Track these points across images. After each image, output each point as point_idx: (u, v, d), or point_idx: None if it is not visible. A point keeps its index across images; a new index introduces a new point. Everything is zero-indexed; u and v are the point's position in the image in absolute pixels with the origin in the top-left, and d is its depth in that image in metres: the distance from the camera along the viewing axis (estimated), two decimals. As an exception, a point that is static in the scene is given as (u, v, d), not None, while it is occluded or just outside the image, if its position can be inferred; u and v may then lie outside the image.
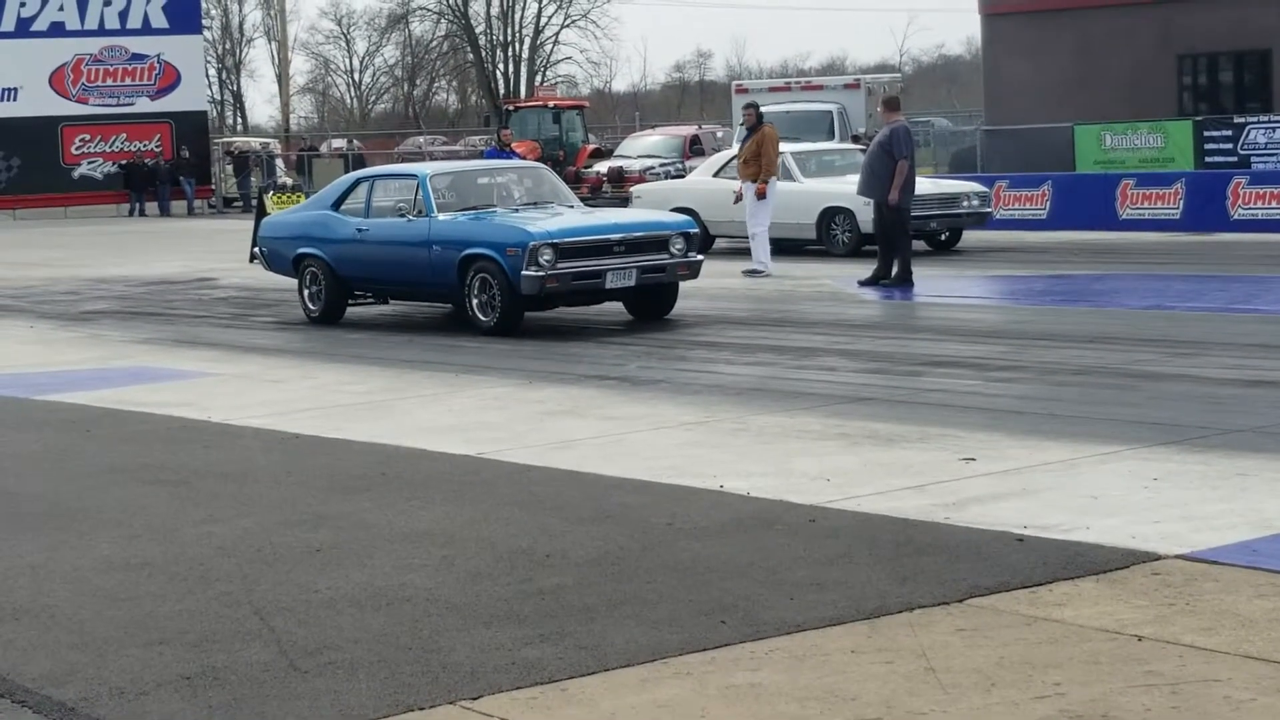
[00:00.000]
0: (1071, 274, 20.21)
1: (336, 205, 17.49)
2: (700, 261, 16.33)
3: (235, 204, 49.54)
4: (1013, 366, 12.41)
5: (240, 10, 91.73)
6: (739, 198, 21.23)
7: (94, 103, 47.89)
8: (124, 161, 47.52)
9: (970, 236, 24.63)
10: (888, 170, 18.84)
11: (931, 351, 13.47)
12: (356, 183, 17.74)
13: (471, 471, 9.18)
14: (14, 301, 21.33)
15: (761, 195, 20.77)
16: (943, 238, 24.02)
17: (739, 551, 7.18)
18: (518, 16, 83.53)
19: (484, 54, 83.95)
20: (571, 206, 16.91)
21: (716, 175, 24.64)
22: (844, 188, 21.88)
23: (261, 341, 16.34)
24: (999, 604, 6.29)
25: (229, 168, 51.55)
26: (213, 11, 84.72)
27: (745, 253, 23.96)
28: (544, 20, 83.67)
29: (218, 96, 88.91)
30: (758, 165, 20.80)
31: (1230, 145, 30.77)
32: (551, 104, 46.96)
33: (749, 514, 7.87)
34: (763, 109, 35.39)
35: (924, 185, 22.28)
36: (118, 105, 48.13)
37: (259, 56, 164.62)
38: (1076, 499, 7.91)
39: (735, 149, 23.19)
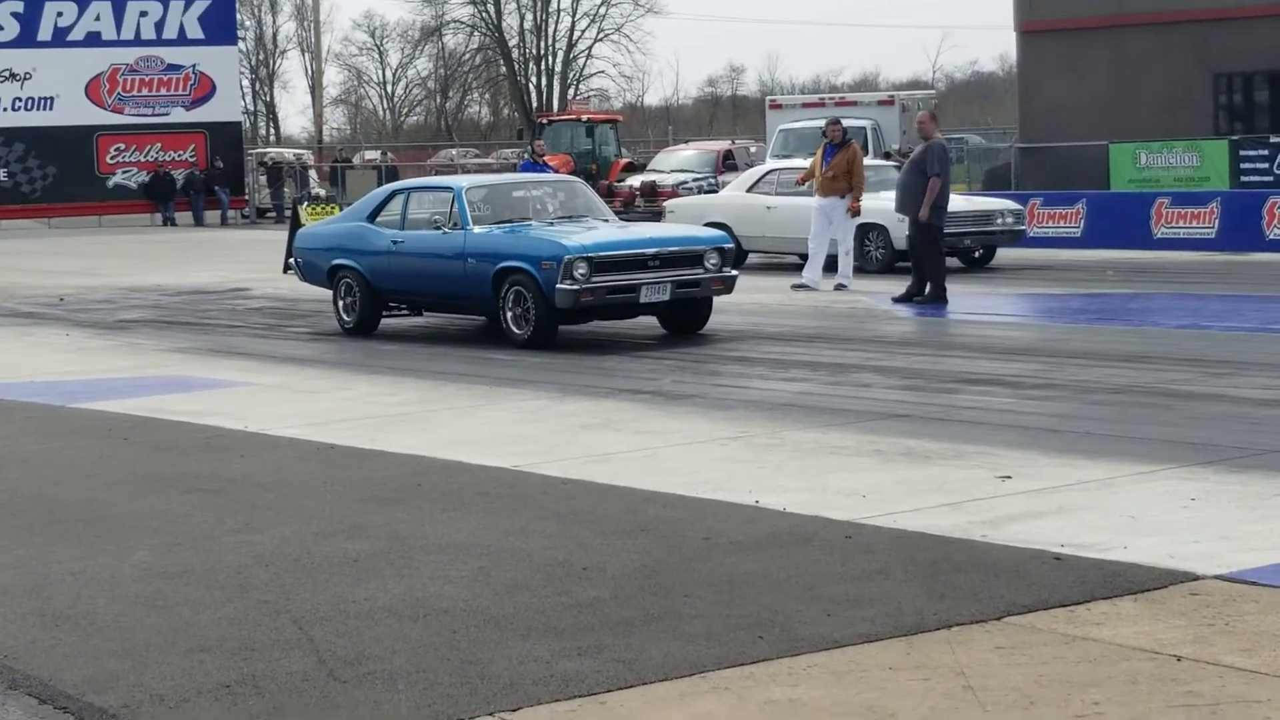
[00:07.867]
0: (1106, 292, 20.17)
1: (372, 217, 17.54)
2: (735, 277, 16.32)
3: (269, 215, 49.71)
4: (1048, 385, 12.38)
5: (274, 21, 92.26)
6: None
7: (129, 112, 48.08)
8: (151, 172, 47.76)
9: (1004, 254, 24.59)
10: (922, 187, 18.83)
11: (966, 369, 13.45)
12: (392, 195, 17.80)
13: (507, 484, 9.20)
14: (50, 310, 21.44)
15: (857, 213, 20.80)
16: (976, 255, 24.00)
17: (775, 567, 7.18)
18: (551, 30, 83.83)
19: (517, 67, 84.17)
20: (606, 220, 16.92)
21: (750, 190, 24.66)
22: (877, 204, 21.85)
23: (296, 352, 16.39)
24: (1037, 622, 6.28)
25: (262, 179, 51.73)
26: (247, 23, 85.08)
27: (779, 268, 24.02)
28: (577, 34, 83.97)
29: (251, 107, 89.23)
30: (846, 182, 20.75)
31: (1266, 165, 30.65)
32: (585, 117, 47.01)
33: (785, 529, 7.88)
34: (795, 125, 35.71)
35: (958, 202, 22.26)
36: (153, 115, 48.32)
37: (292, 68, 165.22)
38: (1114, 518, 7.89)
39: (801, 162, 23.22)
